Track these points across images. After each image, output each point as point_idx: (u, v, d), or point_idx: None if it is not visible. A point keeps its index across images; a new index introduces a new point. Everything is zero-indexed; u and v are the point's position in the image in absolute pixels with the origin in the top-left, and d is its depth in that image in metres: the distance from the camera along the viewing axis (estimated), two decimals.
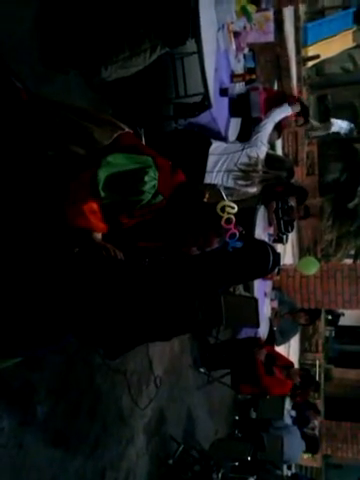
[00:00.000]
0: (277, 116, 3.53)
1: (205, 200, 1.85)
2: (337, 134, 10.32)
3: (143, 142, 2.66)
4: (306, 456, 7.86)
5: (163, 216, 1.86)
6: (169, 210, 1.85)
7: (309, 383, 5.81)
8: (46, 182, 1.69)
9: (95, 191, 1.70)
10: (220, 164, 3.21)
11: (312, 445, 6.47)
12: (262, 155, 3.26)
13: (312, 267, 6.35)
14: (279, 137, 4.36)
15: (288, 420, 5.78)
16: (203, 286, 1.89)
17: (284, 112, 3.59)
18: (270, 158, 3.31)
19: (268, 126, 3.43)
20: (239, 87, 3.99)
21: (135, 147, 1.91)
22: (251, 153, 3.23)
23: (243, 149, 3.29)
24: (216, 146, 3.28)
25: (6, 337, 1.66)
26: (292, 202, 5.02)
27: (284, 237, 5.50)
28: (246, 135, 3.69)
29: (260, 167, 3.21)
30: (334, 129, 9.87)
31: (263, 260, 2.22)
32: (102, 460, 3.05)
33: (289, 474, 6.24)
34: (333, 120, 9.86)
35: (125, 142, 1.92)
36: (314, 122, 9.96)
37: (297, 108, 3.74)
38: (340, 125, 9.79)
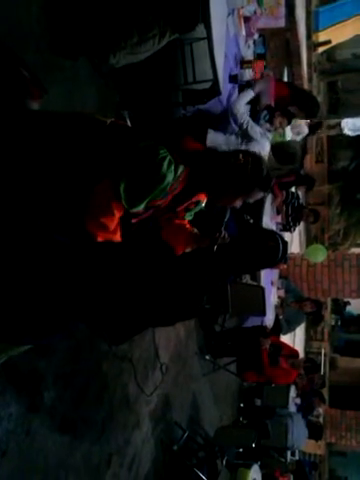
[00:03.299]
0: (242, 100, 3.44)
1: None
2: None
3: (128, 124, 2.62)
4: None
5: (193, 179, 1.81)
6: (196, 174, 1.80)
7: (313, 372, 5.84)
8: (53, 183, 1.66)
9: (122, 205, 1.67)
10: None
11: (316, 432, 6.51)
12: (264, 151, 3.20)
13: (320, 254, 6.32)
14: (288, 123, 4.25)
15: (293, 408, 5.81)
16: (212, 274, 1.88)
17: (246, 96, 3.50)
18: (279, 151, 3.25)
19: (245, 118, 3.36)
20: (248, 73, 3.94)
21: (125, 127, 1.87)
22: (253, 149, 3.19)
23: (241, 144, 3.24)
24: (213, 137, 3.21)
25: (13, 325, 1.66)
26: (301, 191, 5.01)
27: (292, 226, 5.50)
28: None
29: (269, 165, 3.16)
30: (347, 128, 9.38)
31: (272, 250, 2.22)
32: (108, 445, 3.09)
33: (293, 461, 6.28)
34: (346, 120, 9.39)
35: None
36: (324, 126, 9.57)
37: (262, 86, 3.62)
38: (354, 124, 9.24)
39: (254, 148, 3.18)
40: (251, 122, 3.35)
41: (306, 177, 5.39)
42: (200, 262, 2.08)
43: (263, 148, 3.20)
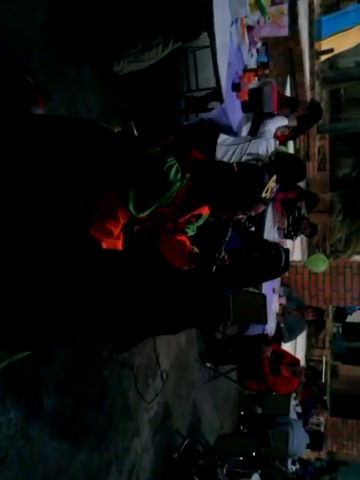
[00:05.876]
0: (277, 123, 3.53)
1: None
2: None
3: (135, 133, 2.64)
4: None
5: (196, 190, 1.82)
6: (198, 184, 1.80)
7: (314, 379, 5.81)
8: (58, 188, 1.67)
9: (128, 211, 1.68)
10: (229, 154, 3.20)
11: (316, 442, 6.47)
12: (271, 148, 3.24)
13: (321, 264, 6.30)
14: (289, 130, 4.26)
15: (293, 416, 5.78)
16: (213, 285, 1.88)
17: (280, 121, 3.59)
18: (280, 157, 3.28)
19: (273, 124, 3.44)
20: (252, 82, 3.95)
21: (132, 136, 1.89)
22: (260, 145, 3.21)
23: (251, 140, 3.29)
24: (224, 138, 3.26)
25: (17, 332, 1.66)
26: (301, 205, 5.03)
27: (293, 235, 5.50)
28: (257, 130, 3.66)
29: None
30: None
31: (274, 258, 2.22)
32: (108, 453, 3.08)
33: (294, 469, 6.24)
34: None
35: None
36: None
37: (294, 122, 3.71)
38: None
39: (260, 145, 3.20)
40: (270, 126, 3.41)
41: (309, 194, 5.42)
42: (200, 276, 2.07)
43: (270, 146, 3.24)
